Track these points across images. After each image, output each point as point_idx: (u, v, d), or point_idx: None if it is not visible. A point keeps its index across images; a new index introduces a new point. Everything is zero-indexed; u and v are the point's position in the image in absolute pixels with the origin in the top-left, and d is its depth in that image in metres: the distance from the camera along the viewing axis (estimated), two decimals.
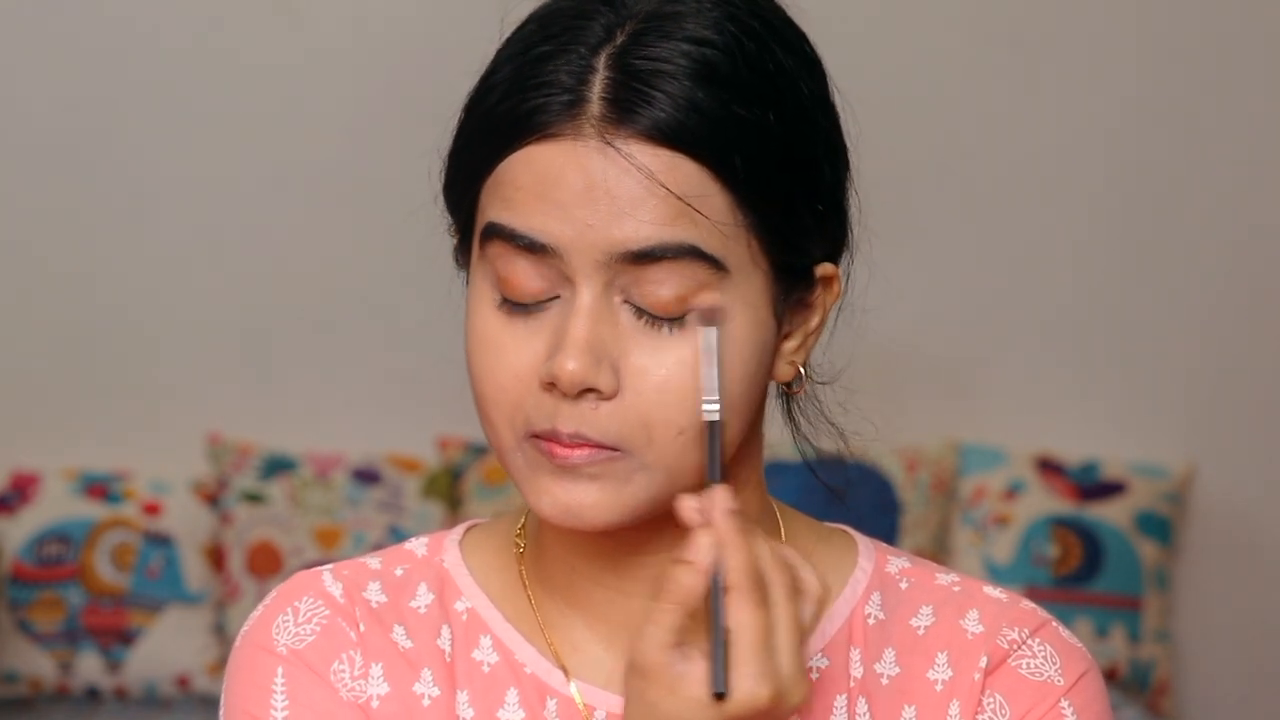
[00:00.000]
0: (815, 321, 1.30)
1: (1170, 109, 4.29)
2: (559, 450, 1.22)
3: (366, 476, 4.11)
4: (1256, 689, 4.34)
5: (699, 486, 1.26)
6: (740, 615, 1.15)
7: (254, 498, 4.06)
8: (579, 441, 1.22)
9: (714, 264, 1.21)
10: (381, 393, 4.22)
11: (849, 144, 1.30)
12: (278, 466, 4.09)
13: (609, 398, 1.21)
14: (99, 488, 4.07)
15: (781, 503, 1.37)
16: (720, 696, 1.15)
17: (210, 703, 3.90)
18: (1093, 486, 4.18)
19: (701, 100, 1.20)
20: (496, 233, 1.22)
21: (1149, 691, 4.12)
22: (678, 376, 1.22)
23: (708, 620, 1.16)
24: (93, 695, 4.01)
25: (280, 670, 1.30)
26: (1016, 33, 4.27)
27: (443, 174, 1.29)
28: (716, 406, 1.21)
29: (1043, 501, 4.16)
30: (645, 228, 1.20)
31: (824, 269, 1.29)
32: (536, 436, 1.23)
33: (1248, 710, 4.33)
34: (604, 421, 1.22)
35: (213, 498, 4.10)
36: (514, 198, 1.22)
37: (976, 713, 1.30)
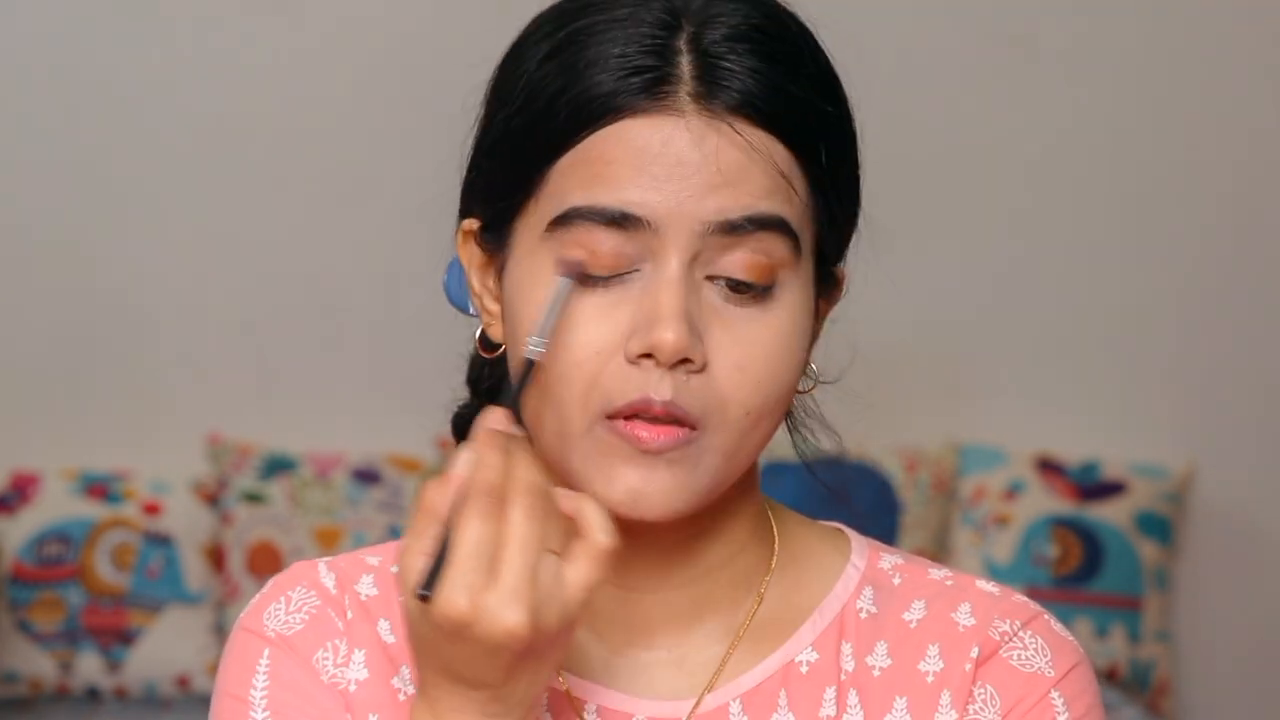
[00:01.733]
0: (819, 324, 1.32)
1: (1170, 109, 4.29)
2: (644, 434, 1.22)
3: (366, 476, 4.11)
4: (1256, 689, 4.35)
5: (744, 471, 1.27)
6: (461, 524, 1.15)
7: (254, 498, 4.07)
8: (670, 410, 1.21)
9: (795, 242, 1.24)
10: (381, 393, 4.22)
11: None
12: (278, 466, 4.10)
13: (699, 370, 1.22)
14: (99, 488, 4.07)
15: (774, 501, 1.37)
16: (423, 598, 1.14)
17: (210, 702, 3.90)
18: (1093, 486, 4.18)
19: (790, 87, 1.23)
20: (582, 214, 1.22)
21: (1149, 691, 4.12)
22: (755, 358, 1.23)
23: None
24: (93, 695, 4.02)
25: (266, 653, 1.31)
26: (1016, 32, 4.27)
27: (483, 161, 1.29)
28: (542, 350, 1.21)
29: (1043, 501, 4.16)
30: (744, 198, 1.22)
31: (840, 270, 1.31)
32: (614, 417, 1.22)
33: (1248, 710, 4.33)
34: (694, 394, 1.22)
35: (213, 498, 4.10)
36: (605, 172, 1.22)
37: (967, 703, 1.30)
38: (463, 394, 1.40)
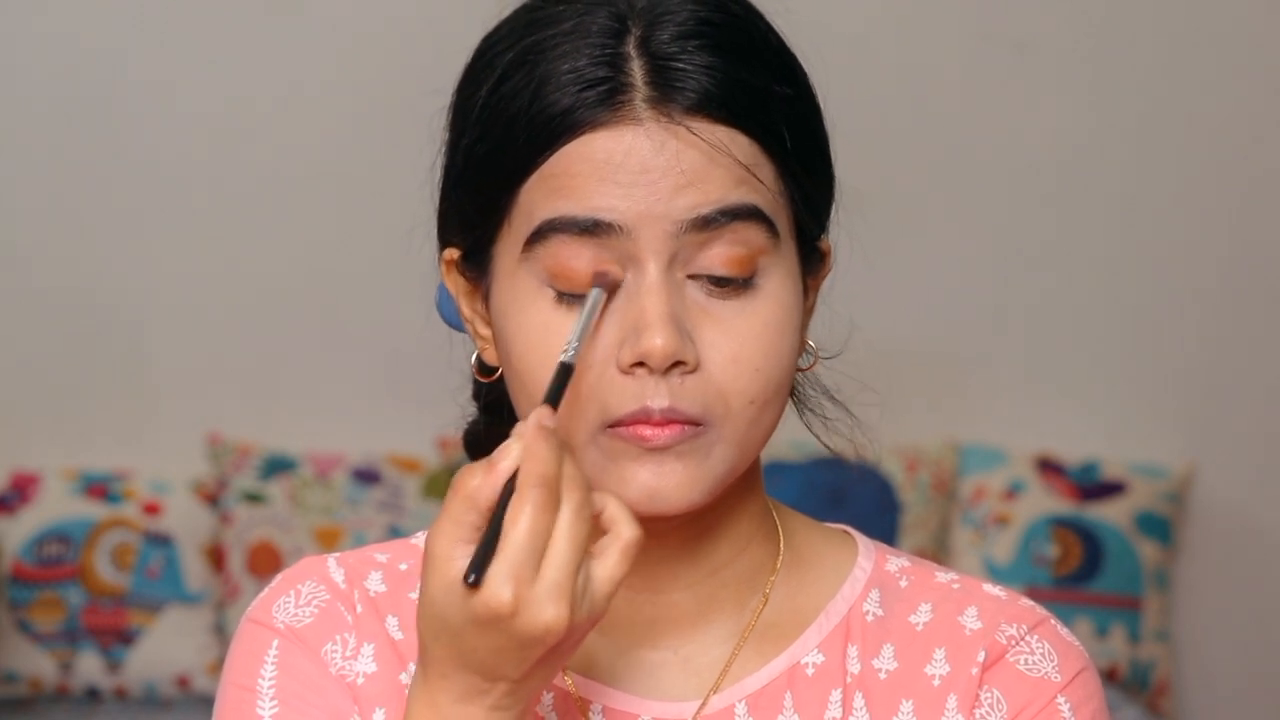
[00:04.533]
0: (812, 299, 1.33)
1: (1170, 109, 4.29)
2: (648, 433, 1.22)
3: (366, 476, 4.11)
4: (1256, 689, 4.34)
5: (753, 461, 1.28)
6: (514, 515, 1.14)
7: (254, 498, 4.07)
8: (670, 418, 1.22)
9: (771, 228, 1.24)
10: (381, 393, 4.22)
11: (843, 139, 1.32)
12: (278, 466, 4.09)
13: (692, 371, 1.22)
14: (99, 488, 4.07)
15: (780, 502, 1.37)
16: (471, 585, 1.14)
17: (210, 702, 3.90)
18: (1093, 486, 4.18)
19: (745, 77, 1.24)
20: (554, 226, 1.23)
21: (1149, 691, 4.12)
22: (747, 348, 1.23)
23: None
24: (93, 695, 4.01)
25: (275, 644, 1.31)
26: (1016, 33, 4.27)
27: (451, 191, 1.29)
28: (573, 352, 1.21)
29: (1043, 501, 4.16)
30: (713, 193, 1.22)
31: (824, 244, 1.32)
32: (616, 425, 1.23)
33: (1248, 710, 4.33)
34: (690, 394, 1.22)
35: (213, 498, 4.10)
36: (570, 185, 1.22)
37: (974, 707, 1.30)
38: (470, 409, 1.40)
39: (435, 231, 1.34)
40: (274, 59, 4.20)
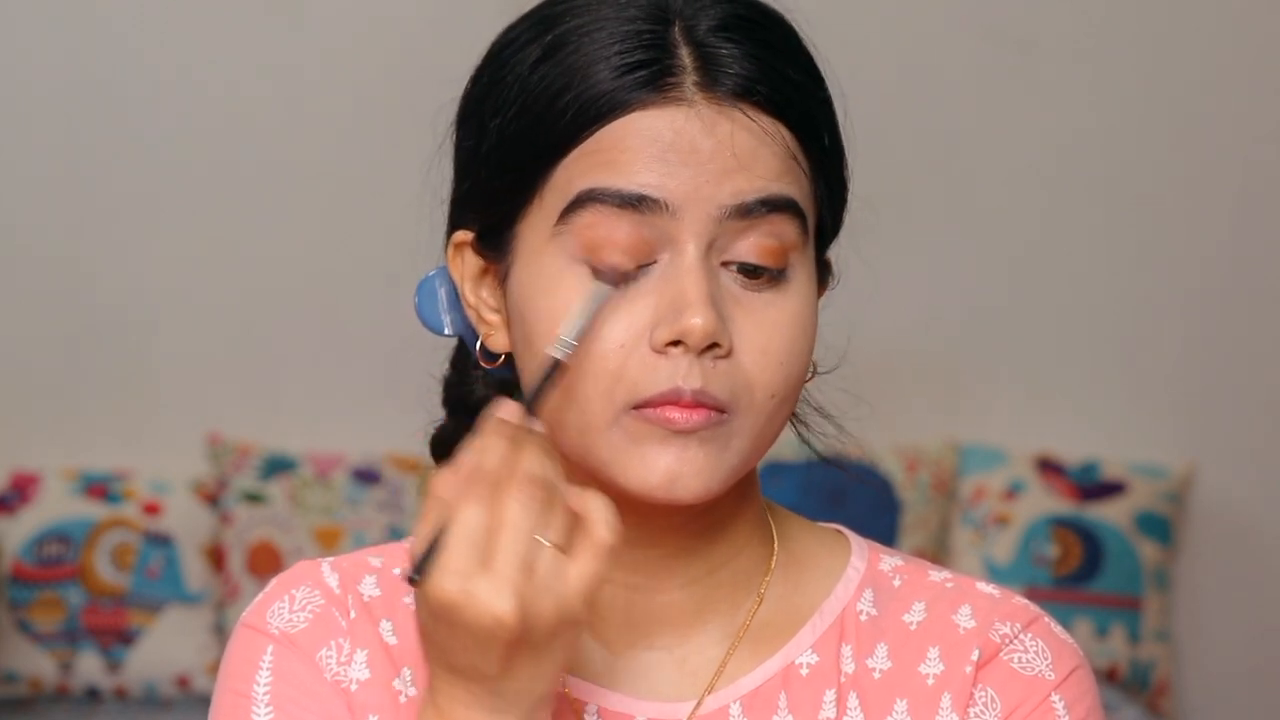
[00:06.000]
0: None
1: (1170, 109, 4.29)
2: (676, 415, 1.22)
3: (366, 476, 4.11)
4: (1256, 689, 4.35)
5: (760, 457, 1.28)
6: (457, 509, 1.15)
7: (254, 498, 4.07)
8: (700, 400, 1.22)
9: (804, 225, 1.25)
10: (381, 393, 4.22)
11: (843, 139, 1.32)
12: (278, 466, 4.10)
13: (725, 355, 1.23)
14: (99, 488, 4.07)
15: (774, 503, 1.37)
16: (412, 582, 1.15)
17: (210, 702, 3.90)
18: (1093, 486, 4.18)
19: (786, 71, 1.25)
20: (594, 196, 1.22)
21: (1149, 691, 4.12)
22: (776, 340, 1.24)
23: None
24: (93, 695, 4.02)
25: (270, 649, 1.31)
26: (1016, 33, 4.27)
27: (479, 170, 1.28)
28: (568, 352, 1.21)
29: (1043, 501, 4.16)
30: (758, 181, 1.23)
31: (828, 257, 1.32)
32: (643, 406, 1.22)
33: (1248, 710, 4.33)
34: (721, 379, 1.22)
35: (213, 498, 4.10)
36: (619, 160, 1.22)
37: (968, 706, 1.30)
38: (438, 414, 1.40)
39: (433, 230, 1.34)
40: (274, 59, 4.20)
